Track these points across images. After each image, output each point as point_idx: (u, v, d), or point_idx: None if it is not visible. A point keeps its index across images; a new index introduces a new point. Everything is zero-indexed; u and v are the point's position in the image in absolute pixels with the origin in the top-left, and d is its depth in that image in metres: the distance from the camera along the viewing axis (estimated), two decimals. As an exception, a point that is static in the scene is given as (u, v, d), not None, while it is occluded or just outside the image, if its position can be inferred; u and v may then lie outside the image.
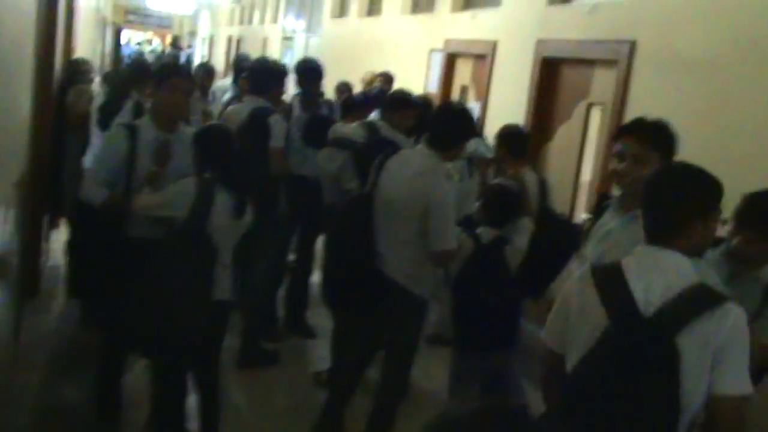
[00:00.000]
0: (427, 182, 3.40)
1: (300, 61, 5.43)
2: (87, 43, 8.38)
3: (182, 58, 26.59)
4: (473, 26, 7.17)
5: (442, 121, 3.57)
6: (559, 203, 5.04)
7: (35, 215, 4.47)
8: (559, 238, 3.86)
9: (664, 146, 2.64)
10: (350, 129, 4.40)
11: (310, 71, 5.02)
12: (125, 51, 27.24)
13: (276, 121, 4.31)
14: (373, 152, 3.82)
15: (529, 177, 4.12)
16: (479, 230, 3.78)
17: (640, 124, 2.71)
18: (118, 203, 3.18)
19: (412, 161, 3.50)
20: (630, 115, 4.76)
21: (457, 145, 3.57)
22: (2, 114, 2.93)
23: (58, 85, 5.12)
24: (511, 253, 3.72)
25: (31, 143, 3.88)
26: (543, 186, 4.23)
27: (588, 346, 2.03)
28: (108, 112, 4.46)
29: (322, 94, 6.47)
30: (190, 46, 29.39)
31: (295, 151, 4.70)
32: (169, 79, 3.28)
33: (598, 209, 3.00)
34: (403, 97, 4.47)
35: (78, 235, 3.46)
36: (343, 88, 6.82)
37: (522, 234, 3.78)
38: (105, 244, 3.23)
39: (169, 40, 30.87)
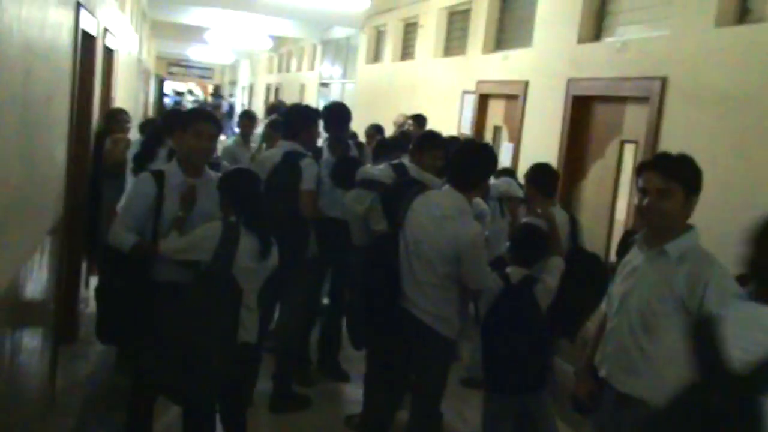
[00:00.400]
0: (457, 226, 3.42)
1: (327, 105, 5.50)
2: (128, 94, 8.63)
3: (224, 107, 27.24)
4: (504, 67, 7.21)
5: (464, 160, 3.57)
6: (593, 242, 4.96)
7: (72, 261, 4.55)
8: (591, 277, 3.80)
9: (688, 180, 2.60)
10: (378, 170, 4.41)
11: (337, 115, 5.07)
12: (168, 101, 27.99)
13: (308, 165, 4.35)
14: (401, 193, 3.83)
15: (559, 215, 4.07)
16: (508, 270, 3.73)
17: (663, 158, 2.68)
18: (146, 248, 3.23)
19: (439, 203, 3.49)
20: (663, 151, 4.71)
21: (480, 183, 3.56)
22: (37, 163, 3.00)
23: (95, 134, 5.26)
24: (541, 293, 3.66)
25: (66, 191, 3.97)
26: (574, 224, 4.17)
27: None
28: (142, 160, 4.56)
29: (354, 137, 6.54)
30: (231, 95, 30.06)
31: (324, 193, 4.72)
32: (193, 125, 3.34)
33: (623, 246, 2.95)
34: (432, 137, 4.48)
35: (107, 280, 3.50)
36: (374, 131, 6.86)
37: (552, 273, 3.72)
38: (133, 289, 3.26)
39: (210, 89, 31.64)
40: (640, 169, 2.71)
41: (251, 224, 3.19)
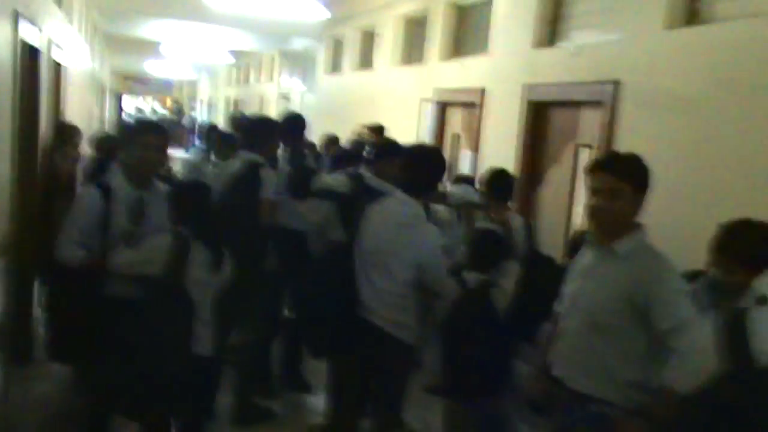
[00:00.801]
0: (415, 232, 3.40)
1: (283, 115, 5.45)
2: (80, 109, 8.46)
3: (185, 121, 26.99)
4: (462, 74, 7.23)
5: (414, 165, 3.54)
6: (551, 246, 4.97)
7: (24, 280, 4.42)
8: (546, 279, 3.79)
9: (638, 179, 2.61)
10: (334, 179, 4.38)
11: (293, 125, 5.02)
12: (126, 117, 27.65)
13: (267, 174, 4.30)
14: (357, 202, 3.79)
15: (515, 220, 4.08)
16: (465, 275, 3.72)
17: (612, 158, 2.71)
18: (95, 263, 3.14)
19: (394, 210, 3.47)
20: (618, 154, 4.74)
21: (432, 187, 3.56)
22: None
23: (45, 149, 5.13)
24: (498, 297, 3.67)
25: (13, 208, 3.85)
26: (529, 229, 4.18)
27: None
28: (93, 174, 4.45)
29: (312, 147, 6.50)
30: (192, 109, 29.83)
31: (281, 204, 4.66)
32: (140, 136, 3.27)
33: (573, 246, 2.97)
34: (390, 145, 4.45)
35: (56, 296, 3.40)
36: (330, 141, 6.82)
37: (509, 277, 3.72)
38: (83, 305, 3.17)
39: (169, 104, 31.36)
40: (590, 169, 2.71)
41: (202, 236, 3.13)
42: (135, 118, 5.03)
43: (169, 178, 4.02)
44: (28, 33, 4.09)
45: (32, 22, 4.30)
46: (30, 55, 4.42)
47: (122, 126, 4.21)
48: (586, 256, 2.82)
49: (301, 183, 4.52)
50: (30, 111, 4.53)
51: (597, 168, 2.68)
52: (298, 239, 4.46)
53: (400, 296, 3.43)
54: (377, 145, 4.65)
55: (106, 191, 3.20)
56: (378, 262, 3.42)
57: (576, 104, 5.45)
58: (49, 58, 5.31)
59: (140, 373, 2.98)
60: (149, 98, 32.58)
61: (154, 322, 2.99)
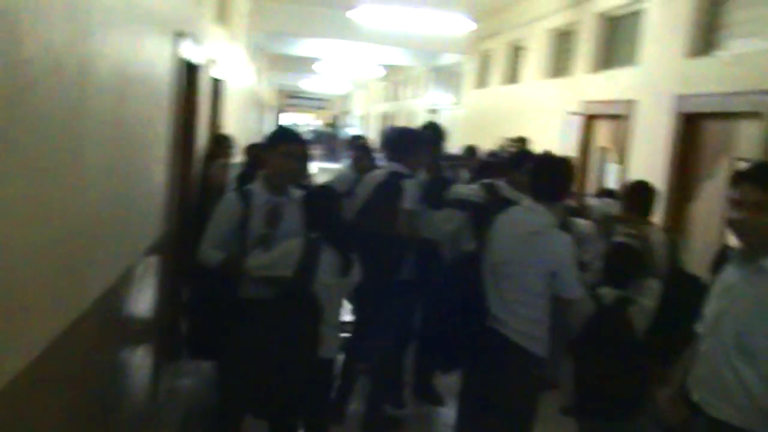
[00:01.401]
0: (548, 240, 3.35)
1: (424, 126, 5.50)
2: (238, 122, 8.99)
3: (339, 135, 27.96)
4: (610, 86, 7.01)
5: (543, 173, 3.49)
6: (702, 265, 4.68)
7: (175, 280, 4.75)
8: (690, 299, 3.58)
9: None
10: (469, 189, 4.37)
11: (431, 135, 5.06)
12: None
13: (410, 185, 4.34)
14: (491, 212, 3.77)
15: (656, 235, 3.88)
16: (601, 291, 3.59)
17: (760, 169, 2.50)
18: (233, 265, 3.32)
19: (524, 219, 3.41)
20: (777, 168, 4.41)
21: (561, 195, 3.48)
22: (131, 182, 3.17)
23: (202, 158, 5.51)
24: (636, 315, 3.50)
25: (167, 212, 4.16)
26: (673, 245, 3.96)
27: None
28: (242, 182, 4.71)
29: (452, 158, 6.53)
30: (347, 125, 30.79)
31: (419, 214, 4.71)
32: (282, 145, 3.43)
33: (718, 263, 2.77)
34: (525, 156, 4.39)
35: (195, 296, 3.63)
36: (470, 152, 6.81)
37: (648, 295, 3.55)
38: (220, 306, 3.36)
39: (325, 118, 32.54)
40: (735, 181, 2.53)
41: (332, 240, 3.23)
42: (279, 127, 5.28)
43: (305, 185, 4.17)
44: (188, 51, 4.42)
45: (194, 41, 4.65)
46: (190, 71, 4.78)
47: (267, 135, 4.43)
48: (731, 274, 2.62)
49: (436, 193, 4.55)
50: (188, 122, 4.88)
51: (742, 179, 2.50)
52: (432, 249, 4.49)
53: (532, 307, 3.37)
54: (514, 155, 4.60)
55: (246, 197, 3.39)
56: (508, 272, 3.37)
57: (732, 116, 5.12)
58: (209, 74, 5.70)
59: (268, 372, 3.10)
60: (307, 114, 34.01)
61: (283, 324, 3.11)
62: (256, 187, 3.47)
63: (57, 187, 2.07)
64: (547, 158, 3.82)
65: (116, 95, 2.71)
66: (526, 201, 3.47)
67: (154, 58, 3.45)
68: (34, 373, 1.94)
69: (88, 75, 2.28)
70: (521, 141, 7.44)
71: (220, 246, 3.38)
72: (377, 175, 4.59)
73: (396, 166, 4.45)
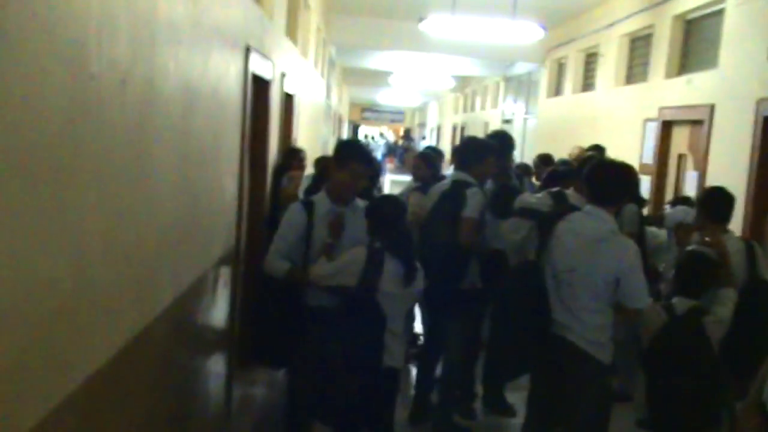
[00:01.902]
0: (613, 247, 3.30)
1: (491, 135, 5.47)
2: (310, 136, 9.13)
3: (414, 147, 28.04)
4: (689, 91, 6.79)
5: (602, 177, 3.45)
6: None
7: (246, 290, 4.85)
8: (769, 310, 3.44)
9: None
10: (536, 198, 4.31)
11: (499, 144, 5.02)
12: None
13: (473, 193, 4.33)
14: (558, 221, 3.71)
15: (733, 243, 3.74)
16: (674, 300, 3.48)
17: None
18: (298, 274, 3.37)
19: (587, 225, 3.36)
20: None
21: (621, 199, 3.47)
22: (200, 194, 3.27)
23: (274, 169, 5.62)
24: (711, 325, 3.38)
25: (237, 222, 4.26)
26: (751, 253, 3.80)
27: None
28: (311, 193, 4.79)
29: (524, 167, 6.46)
30: (423, 137, 30.85)
31: (487, 224, 4.68)
32: (350, 163, 3.47)
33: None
34: (589, 162, 4.30)
35: (262, 304, 3.70)
36: (543, 161, 6.71)
37: (724, 305, 3.42)
38: (286, 314, 3.42)
39: (400, 131, 32.72)
40: None
41: (395, 250, 3.24)
42: (349, 142, 5.26)
43: (369, 194, 4.21)
44: (259, 66, 4.53)
45: (265, 56, 4.76)
46: (261, 85, 4.89)
47: (336, 148, 4.46)
48: None
49: (503, 202, 4.51)
50: (259, 136, 5.00)
51: None
52: (499, 258, 4.45)
53: (597, 313, 3.33)
54: (579, 163, 4.52)
55: (310, 207, 3.44)
56: (572, 279, 3.33)
57: (819, 119, 4.89)
58: (281, 89, 5.82)
59: (334, 380, 3.13)
60: (382, 126, 34.27)
61: (347, 332, 3.14)
62: (320, 198, 3.52)
63: (126, 198, 2.16)
64: (600, 162, 3.75)
65: (183, 109, 2.80)
66: (588, 206, 3.42)
67: (223, 72, 3.55)
68: (109, 375, 2.03)
69: (154, 90, 2.36)
70: (597, 149, 7.28)
71: (286, 256, 3.44)
72: (443, 184, 4.60)
73: (461, 175, 4.44)
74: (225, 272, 4.06)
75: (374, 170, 3.66)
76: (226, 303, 4.16)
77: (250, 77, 4.27)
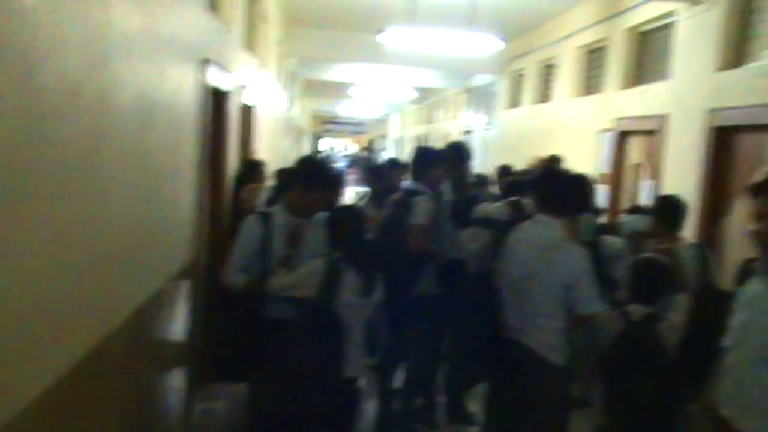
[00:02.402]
0: (563, 255, 3.37)
1: (447, 145, 5.54)
2: (271, 148, 9.10)
3: (379, 160, 28.10)
4: (642, 102, 6.94)
5: (555, 187, 3.53)
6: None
7: (207, 302, 4.81)
8: (721, 314, 3.51)
9: None
10: (494, 208, 4.37)
11: (454, 154, 5.08)
12: (314, 156, 29.23)
13: (419, 201, 4.39)
14: (511, 231, 3.76)
15: (687, 250, 3.82)
16: (629, 307, 3.53)
17: None
18: (256, 287, 3.36)
19: (538, 233, 3.43)
20: (812, 179, 4.31)
21: (573, 210, 3.53)
22: (158, 208, 3.24)
23: (234, 181, 5.59)
24: (665, 331, 3.44)
25: (197, 234, 4.22)
26: (704, 260, 3.89)
27: None
28: (270, 204, 4.77)
29: (482, 178, 6.52)
30: (384, 149, 30.92)
31: (447, 234, 4.72)
32: (319, 191, 3.46)
33: (742, 276, 2.73)
34: (544, 172, 4.38)
35: (222, 318, 3.68)
36: (504, 171, 6.79)
37: (678, 311, 3.49)
38: (246, 327, 3.40)
39: (362, 143, 32.78)
40: (753, 192, 2.50)
41: (354, 260, 3.25)
42: (317, 164, 5.17)
43: (330, 205, 4.22)
44: (217, 78, 4.51)
45: (223, 68, 4.74)
46: (219, 97, 4.87)
47: (303, 165, 4.36)
48: (756, 286, 2.59)
49: (462, 211, 4.56)
50: (218, 148, 4.97)
51: (759, 191, 2.48)
52: (457, 267, 4.49)
53: (552, 317, 3.41)
54: (538, 173, 4.59)
55: (267, 219, 3.44)
56: (526, 286, 3.40)
57: (765, 128, 5.03)
58: (240, 100, 5.80)
59: (295, 392, 3.12)
60: (344, 138, 34.29)
61: (308, 344, 3.13)
62: (278, 209, 3.52)
63: (80, 212, 2.13)
64: (548, 172, 3.84)
65: (139, 122, 2.77)
66: (537, 215, 3.49)
67: (180, 84, 3.53)
68: (63, 392, 1.99)
69: (108, 103, 2.34)
70: (554, 160, 7.39)
71: (245, 268, 3.43)
72: (396, 194, 4.65)
73: (413, 184, 4.50)
74: (184, 285, 4.03)
75: (336, 194, 3.66)
76: (186, 316, 4.12)
77: (207, 89, 4.25)
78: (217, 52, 4.57)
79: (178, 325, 3.91)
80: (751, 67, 5.30)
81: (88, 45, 2.11)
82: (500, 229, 4.06)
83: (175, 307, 3.82)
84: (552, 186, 3.50)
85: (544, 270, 3.35)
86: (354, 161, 30.47)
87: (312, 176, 3.62)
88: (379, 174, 5.83)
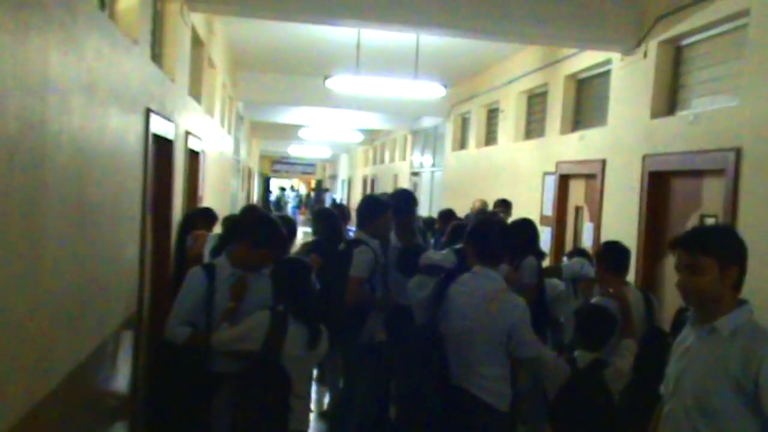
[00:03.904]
0: (502, 306, 3.45)
1: (393, 192, 5.60)
2: (219, 192, 9.05)
3: (328, 200, 28.15)
4: (582, 147, 7.13)
5: (482, 237, 3.61)
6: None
7: (151, 355, 4.72)
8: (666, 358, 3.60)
9: (722, 253, 2.47)
10: (440, 255, 4.41)
11: (402, 201, 5.13)
12: (271, 197, 29.15)
13: (359, 252, 4.43)
14: (450, 284, 3.81)
15: (633, 294, 3.93)
16: (576, 354, 3.61)
17: (689, 233, 2.60)
18: (199, 341, 3.32)
19: (476, 287, 3.50)
20: (743, 224, 4.49)
21: (501, 258, 3.62)
22: (99, 261, 3.19)
23: (179, 229, 5.53)
24: (611, 377, 3.51)
25: (140, 286, 4.16)
26: (649, 304, 4.00)
27: None
28: (219, 253, 4.73)
29: (429, 223, 6.59)
30: (327, 189, 30.99)
31: (394, 281, 4.74)
32: (267, 249, 3.45)
33: (676, 324, 2.82)
34: (485, 220, 4.46)
35: (161, 373, 3.61)
36: (446, 216, 6.87)
37: (624, 356, 3.57)
38: (189, 382, 3.34)
39: (311, 184, 32.82)
40: (671, 246, 2.61)
41: (299, 313, 3.24)
42: (266, 221, 5.11)
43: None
44: (161, 126, 4.50)
45: (166, 117, 4.73)
46: (164, 145, 4.85)
47: (251, 221, 4.29)
48: (688, 335, 2.67)
49: (409, 260, 4.59)
50: (162, 196, 4.93)
51: (676, 245, 2.58)
52: (403, 314, 4.50)
53: (495, 365, 3.46)
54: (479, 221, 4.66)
55: (211, 272, 3.41)
56: (466, 339, 3.45)
57: (698, 173, 5.23)
58: (185, 147, 5.77)
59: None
60: (294, 179, 34.28)
61: (252, 397, 3.10)
62: (222, 261, 3.49)
63: (16, 271, 2.10)
64: (481, 222, 3.91)
65: (77, 177, 2.75)
66: (475, 267, 3.55)
67: (122, 136, 3.51)
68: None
69: (45, 161, 2.32)
70: (504, 204, 7.52)
71: (187, 321, 3.39)
72: (342, 244, 4.70)
73: (358, 234, 4.55)
74: (127, 338, 3.95)
75: (285, 251, 3.65)
76: (129, 371, 4.04)
77: (151, 138, 4.23)
78: (160, 101, 4.56)
79: (120, 380, 3.83)
80: (682, 114, 5.52)
81: (24, 106, 2.10)
82: (447, 276, 4.10)
83: (118, 362, 3.74)
84: (486, 238, 3.57)
85: (485, 322, 3.42)
86: (303, 202, 30.50)
87: (261, 235, 3.57)
88: (324, 221, 5.83)
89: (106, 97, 3.17)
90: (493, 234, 3.60)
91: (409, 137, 16.22)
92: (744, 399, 2.39)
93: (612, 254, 4.25)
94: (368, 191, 20.00)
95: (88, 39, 2.81)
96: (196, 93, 6.76)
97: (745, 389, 2.37)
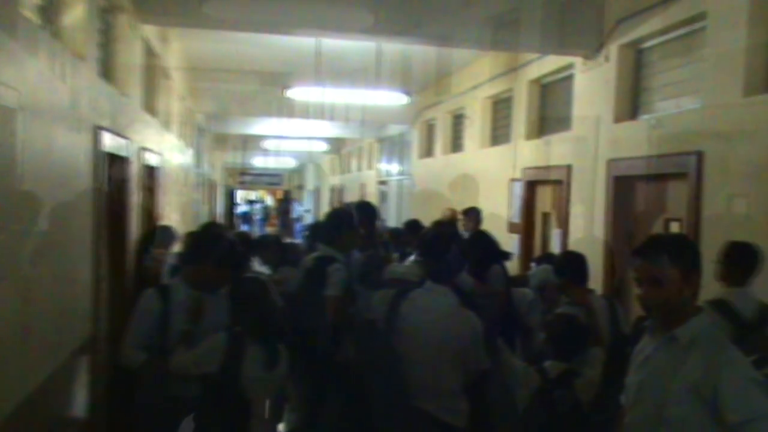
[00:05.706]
0: (455, 322, 3.38)
1: (355, 204, 5.50)
2: (181, 207, 8.87)
3: (297, 210, 27.95)
4: (548, 152, 7.11)
5: (435, 252, 3.52)
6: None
7: (110, 378, 4.57)
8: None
9: (681, 261, 2.43)
10: (405, 268, 4.32)
11: (363, 214, 5.03)
12: (238, 210, 28.87)
13: (334, 270, 4.26)
14: (403, 300, 3.72)
15: (597, 301, 3.88)
16: (546, 364, 3.55)
17: (648, 244, 2.56)
18: (155, 365, 3.19)
19: (430, 303, 3.42)
20: (706, 227, 4.49)
21: (455, 271, 3.54)
22: (51, 282, 3.06)
23: (136, 249, 5.37)
24: (582, 387, 3.46)
25: (94, 309, 4.02)
26: (614, 311, 3.96)
27: None
28: (175, 275, 4.59)
29: (395, 234, 6.51)
30: (294, 199, 30.77)
31: (358, 294, 4.64)
32: (223, 269, 3.34)
33: (635, 334, 2.78)
34: (446, 233, 4.37)
35: (119, 396, 3.48)
36: (411, 227, 6.77)
37: (593, 366, 3.52)
38: (144, 406, 3.22)
39: (279, 195, 32.61)
40: (632, 257, 2.56)
41: (257, 333, 3.13)
42: (229, 243, 4.98)
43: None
44: (113, 143, 4.35)
45: (118, 133, 4.58)
46: (117, 162, 4.70)
47: (213, 241, 4.12)
48: (647, 345, 2.64)
49: (372, 273, 4.49)
50: (119, 214, 4.78)
51: (636, 256, 2.54)
52: (371, 328, 4.40)
53: (455, 382, 3.38)
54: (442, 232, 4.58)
55: (165, 294, 3.28)
56: (421, 355, 3.36)
57: (662, 177, 5.22)
58: (140, 163, 5.61)
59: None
60: (260, 190, 33.97)
61: (212, 421, 2.99)
62: (177, 282, 3.37)
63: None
64: (433, 236, 3.82)
65: (19, 203, 2.62)
66: (427, 283, 3.46)
67: (70, 155, 3.38)
68: None
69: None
70: (473, 211, 7.42)
71: (141, 345, 3.25)
72: (308, 260, 4.54)
73: (326, 250, 4.40)
74: (82, 363, 3.81)
75: (243, 270, 3.52)
76: (85, 395, 3.89)
77: (103, 156, 4.09)
78: (112, 117, 4.42)
79: (76, 405, 3.69)
80: (644, 119, 5.51)
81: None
82: (395, 295, 4.00)
83: (73, 387, 3.60)
84: (437, 253, 3.47)
85: (439, 338, 3.33)
86: (269, 214, 30.31)
87: (219, 255, 3.45)
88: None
89: (53, 117, 3.05)
90: (442, 249, 3.49)
91: (376, 145, 16.13)
92: (703, 407, 2.35)
93: (570, 264, 4.20)
94: (336, 201, 19.86)
95: (28, 59, 2.69)
96: (151, 107, 6.59)
97: (705, 397, 2.34)
